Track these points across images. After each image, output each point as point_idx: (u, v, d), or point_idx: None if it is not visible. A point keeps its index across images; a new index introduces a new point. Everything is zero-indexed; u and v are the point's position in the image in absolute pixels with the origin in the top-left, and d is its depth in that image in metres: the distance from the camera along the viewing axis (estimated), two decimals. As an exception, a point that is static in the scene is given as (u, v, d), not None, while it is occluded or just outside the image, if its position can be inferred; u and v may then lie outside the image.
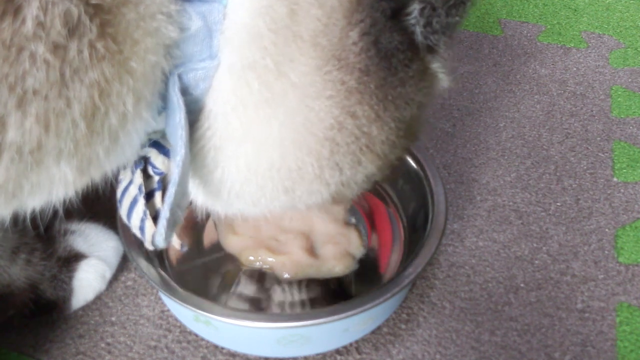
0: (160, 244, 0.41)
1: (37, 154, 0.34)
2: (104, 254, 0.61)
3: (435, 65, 0.44)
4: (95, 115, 0.35)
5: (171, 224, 0.40)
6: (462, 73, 0.88)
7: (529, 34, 0.95)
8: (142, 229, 0.49)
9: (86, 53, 0.33)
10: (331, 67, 0.39)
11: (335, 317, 0.49)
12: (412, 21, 0.40)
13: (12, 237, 0.55)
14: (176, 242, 0.57)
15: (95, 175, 0.39)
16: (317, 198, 0.45)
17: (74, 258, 0.59)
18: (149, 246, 0.47)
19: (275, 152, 0.41)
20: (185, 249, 0.57)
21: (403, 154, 0.47)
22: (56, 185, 0.37)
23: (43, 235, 0.58)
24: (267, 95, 0.39)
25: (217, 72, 0.39)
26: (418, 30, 0.41)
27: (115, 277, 0.61)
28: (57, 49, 0.32)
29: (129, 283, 0.62)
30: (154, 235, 0.42)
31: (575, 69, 0.89)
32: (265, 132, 0.41)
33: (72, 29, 0.32)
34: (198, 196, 0.47)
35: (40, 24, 0.31)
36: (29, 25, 0.31)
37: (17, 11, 0.31)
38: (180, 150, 0.39)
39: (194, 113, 0.41)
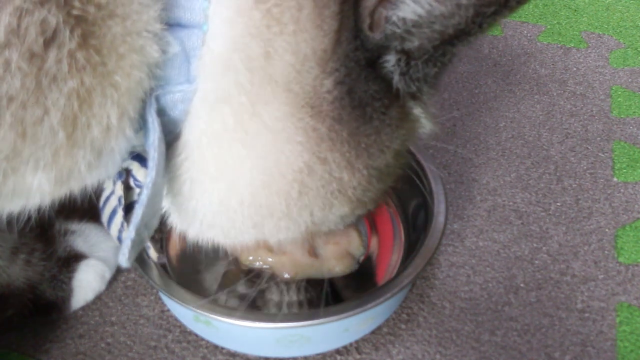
0: (124, 263, 0.40)
1: (12, 161, 0.34)
2: (104, 254, 0.61)
3: (417, 111, 0.44)
4: (75, 126, 0.34)
5: (136, 245, 0.40)
6: (462, 73, 0.88)
7: (529, 34, 0.95)
8: (119, 239, 0.49)
9: (65, 62, 0.32)
10: (304, 114, 0.39)
11: (335, 317, 0.49)
12: (390, 70, 0.40)
13: (12, 238, 0.55)
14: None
15: (75, 187, 0.39)
16: (287, 234, 0.45)
17: (74, 258, 0.59)
18: (124, 260, 0.47)
19: (246, 190, 0.42)
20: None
21: (380, 197, 0.47)
22: (32, 193, 0.36)
23: (43, 235, 0.58)
24: (242, 134, 0.39)
25: (194, 98, 0.39)
26: (396, 78, 0.40)
27: (114, 277, 0.61)
28: (33, 57, 0.32)
29: (129, 283, 0.62)
30: (118, 255, 0.42)
31: (575, 69, 0.89)
32: (237, 171, 0.41)
33: (50, 39, 0.32)
34: (175, 220, 0.47)
35: (13, 32, 0.31)
36: (2, 32, 0.30)
37: None
38: (150, 172, 0.38)
39: (172, 133, 0.41)
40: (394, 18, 0.37)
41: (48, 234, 0.59)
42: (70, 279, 0.58)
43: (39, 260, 0.57)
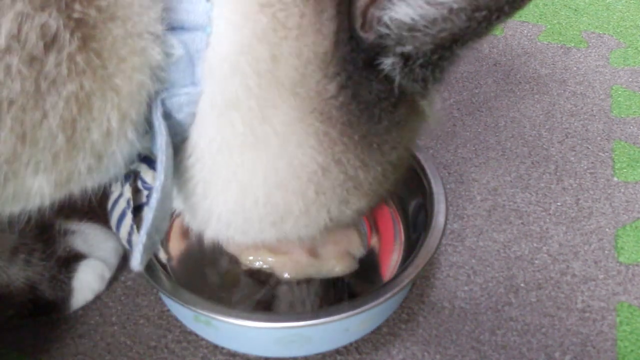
0: (136, 267, 0.40)
1: (12, 164, 0.34)
2: (104, 254, 0.61)
3: (424, 104, 0.44)
4: (75, 129, 0.34)
5: (148, 249, 0.40)
6: (462, 73, 0.88)
7: (529, 34, 0.95)
8: (129, 242, 0.49)
9: (64, 66, 0.32)
10: (313, 119, 0.39)
11: (336, 317, 0.49)
12: (390, 71, 0.39)
13: (11, 238, 0.55)
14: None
15: (75, 189, 0.39)
16: (307, 232, 0.45)
17: (74, 258, 0.59)
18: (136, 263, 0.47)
19: (260, 192, 0.42)
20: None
21: (393, 187, 0.47)
22: (32, 196, 0.36)
23: (42, 235, 0.58)
24: (251, 139, 0.40)
25: (200, 101, 0.39)
26: (397, 79, 0.40)
27: (114, 277, 0.61)
28: (32, 61, 0.31)
29: (129, 283, 0.62)
30: (129, 255, 0.42)
31: (575, 68, 0.89)
32: (250, 174, 0.41)
33: (50, 42, 0.31)
34: (191, 221, 0.47)
35: (14, 37, 0.31)
36: (3, 38, 0.30)
37: None
38: (159, 176, 0.38)
39: (179, 136, 0.41)
40: (386, 19, 0.37)
41: (47, 234, 0.59)
42: (70, 279, 0.58)
43: (39, 260, 0.57)
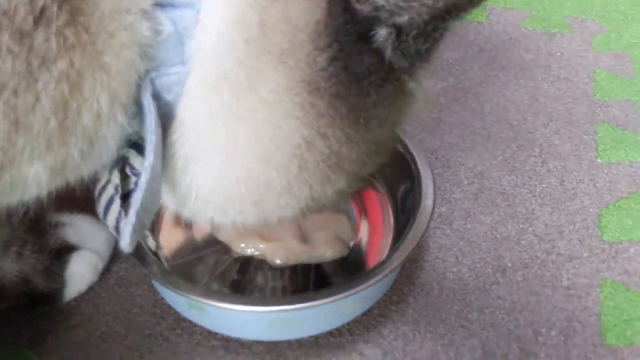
0: (126, 248, 0.40)
1: (8, 153, 0.34)
2: (96, 245, 0.61)
3: (412, 85, 0.44)
4: (66, 113, 0.34)
5: (137, 230, 0.40)
6: (447, 60, 0.89)
7: (513, 20, 0.96)
8: (117, 229, 0.49)
9: (53, 40, 0.32)
10: (301, 89, 0.39)
11: (327, 299, 0.49)
12: (382, 43, 0.40)
13: (3, 232, 0.55)
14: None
15: (71, 177, 0.39)
16: (287, 212, 0.45)
17: (66, 250, 0.60)
18: (125, 247, 0.48)
19: (243, 165, 0.42)
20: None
21: (374, 170, 0.47)
22: (29, 185, 0.37)
23: (33, 228, 0.58)
24: (237, 109, 0.39)
25: (188, 78, 0.39)
26: (388, 52, 0.40)
27: (107, 269, 0.62)
28: (22, 37, 0.32)
29: (121, 273, 0.62)
30: (119, 240, 0.42)
31: (559, 53, 0.90)
32: (234, 146, 0.41)
33: (38, 16, 0.32)
34: (168, 201, 0.47)
35: (4, 13, 0.31)
36: None
37: None
38: (149, 156, 0.38)
39: (167, 116, 0.41)
40: None
41: (39, 226, 0.59)
42: (62, 270, 0.59)
43: (31, 252, 0.57)
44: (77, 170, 0.39)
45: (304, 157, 0.42)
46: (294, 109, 0.40)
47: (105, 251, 0.62)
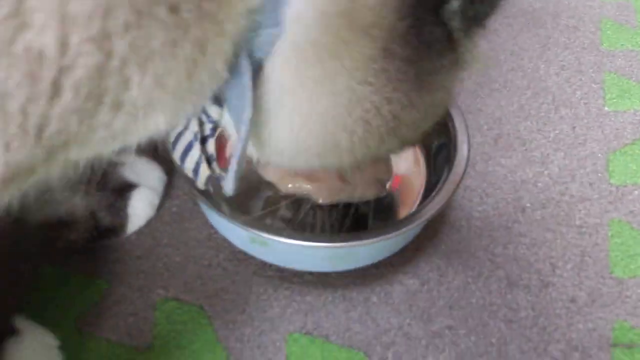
0: (230, 192, 0.45)
1: (147, 109, 0.38)
2: (152, 182, 0.66)
3: (467, 52, 0.47)
4: (194, 75, 0.38)
5: (238, 176, 0.45)
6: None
7: (524, -33, 0.99)
8: (196, 171, 0.54)
9: (194, 12, 0.36)
10: (377, 56, 0.43)
11: (384, 236, 0.56)
12: (451, 14, 0.43)
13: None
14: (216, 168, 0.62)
15: (176, 125, 0.44)
16: (345, 164, 0.50)
17: (126, 188, 0.64)
18: (201, 186, 0.54)
19: (317, 125, 0.46)
20: (222, 180, 0.63)
21: (421, 137, 0.52)
22: (148, 132, 0.40)
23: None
24: (320, 73, 0.43)
25: (279, 41, 0.42)
26: (456, 23, 0.44)
27: (161, 204, 0.67)
28: (172, 9, 0.35)
29: (174, 209, 0.67)
30: (224, 187, 0.47)
31: (567, 2, 0.94)
32: (312, 107, 0.45)
33: None
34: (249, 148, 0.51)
35: None
36: None
37: None
38: (247, 109, 0.43)
39: (254, 72, 0.44)
40: None
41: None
42: (125, 206, 0.63)
43: (96, 190, 0.62)
44: (183, 120, 0.43)
45: (370, 121, 0.46)
46: (369, 74, 0.44)
47: (160, 188, 0.66)
